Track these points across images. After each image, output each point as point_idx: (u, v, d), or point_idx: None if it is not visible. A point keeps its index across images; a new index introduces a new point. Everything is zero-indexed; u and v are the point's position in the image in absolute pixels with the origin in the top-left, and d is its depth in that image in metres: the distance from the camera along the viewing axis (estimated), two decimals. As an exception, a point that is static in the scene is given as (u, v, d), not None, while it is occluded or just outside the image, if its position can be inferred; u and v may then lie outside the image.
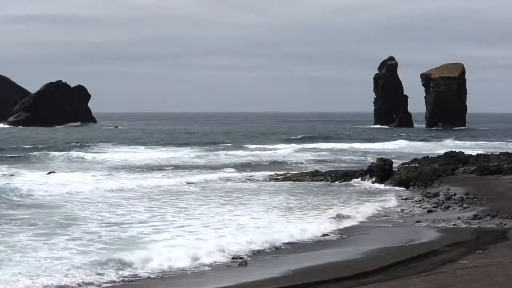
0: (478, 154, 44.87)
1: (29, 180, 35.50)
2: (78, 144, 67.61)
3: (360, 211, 24.63)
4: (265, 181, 36.08)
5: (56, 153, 54.58)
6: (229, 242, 18.23)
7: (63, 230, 19.95)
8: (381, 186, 33.27)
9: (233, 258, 16.95)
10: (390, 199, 28.30)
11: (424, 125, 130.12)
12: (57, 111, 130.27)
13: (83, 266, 15.28)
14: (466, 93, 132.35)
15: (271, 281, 14.38)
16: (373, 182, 34.09)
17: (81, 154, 56.12)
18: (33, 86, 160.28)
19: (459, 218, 22.38)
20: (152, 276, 15.25)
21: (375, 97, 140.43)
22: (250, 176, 37.85)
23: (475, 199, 26.76)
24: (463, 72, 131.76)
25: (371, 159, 44.11)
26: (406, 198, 28.84)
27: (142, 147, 67.47)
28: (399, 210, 25.56)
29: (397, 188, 32.27)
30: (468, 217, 22.48)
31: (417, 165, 39.60)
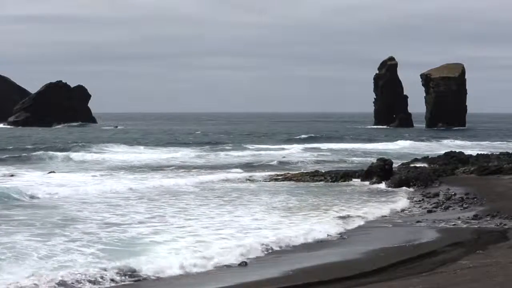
0: (478, 154, 44.93)
1: (29, 180, 35.48)
2: (78, 144, 67.56)
3: (370, 212, 24.55)
4: (265, 181, 36.06)
5: (56, 153, 54.54)
6: (231, 243, 18.11)
7: (62, 230, 19.88)
8: (381, 186, 33.27)
9: (240, 263, 16.66)
10: (399, 199, 28.30)
11: (424, 125, 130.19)
12: (57, 111, 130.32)
13: (83, 267, 15.27)
14: (466, 93, 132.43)
15: (271, 281, 14.37)
16: (372, 183, 34.07)
17: (81, 154, 56.15)
18: (33, 86, 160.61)
19: (459, 218, 22.38)
20: (152, 277, 15.21)
21: (375, 97, 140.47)
22: (250, 177, 37.83)
23: (475, 199, 26.76)
24: (463, 72, 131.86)
25: (371, 159, 44.09)
26: (407, 198, 28.85)
27: (142, 147, 67.48)
28: (399, 210, 25.58)
29: (396, 188, 32.26)
30: (468, 217, 22.48)
31: (417, 165, 39.62)
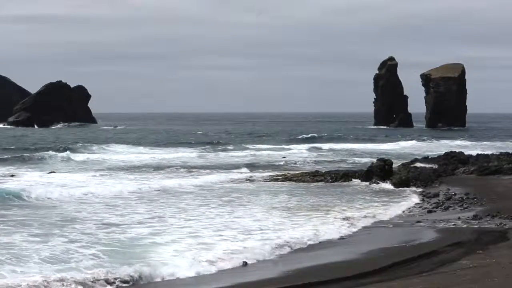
0: (478, 154, 44.90)
1: (29, 180, 35.48)
2: (78, 144, 67.57)
3: (371, 213, 24.49)
4: (265, 181, 36.03)
5: (56, 153, 54.52)
6: (235, 245, 18.01)
7: (62, 231, 19.87)
8: (381, 186, 33.27)
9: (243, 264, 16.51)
10: (400, 200, 28.29)
11: (424, 125, 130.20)
12: (57, 111, 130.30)
13: (83, 268, 15.27)
14: (466, 93, 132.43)
15: (271, 281, 14.38)
16: (372, 183, 34.07)
17: (81, 154, 56.16)
18: (33, 86, 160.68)
19: (459, 218, 22.37)
20: (152, 278, 15.18)
21: (375, 97, 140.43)
22: (250, 177, 37.81)
23: (475, 199, 26.76)
24: (463, 72, 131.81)
25: (371, 159, 44.09)
26: (408, 198, 28.86)
27: (142, 147, 67.48)
28: (399, 210, 25.55)
29: (396, 189, 32.27)
30: (468, 217, 22.47)
31: (417, 165, 39.62)
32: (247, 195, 29.47)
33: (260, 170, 42.45)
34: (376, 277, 14.24)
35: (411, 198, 28.80)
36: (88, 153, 58.50)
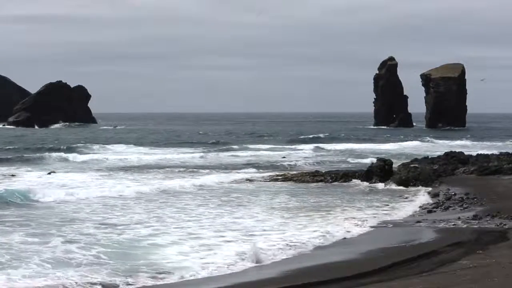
0: (478, 154, 44.89)
1: (29, 180, 35.51)
2: (78, 145, 67.60)
3: (372, 213, 24.47)
4: (265, 181, 36.02)
5: (56, 154, 54.57)
6: (238, 247, 17.91)
7: (61, 232, 19.87)
8: (381, 186, 33.27)
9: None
10: (400, 200, 28.26)
11: (424, 125, 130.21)
12: (57, 111, 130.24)
13: (83, 269, 15.28)
14: (466, 93, 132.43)
15: (271, 281, 14.38)
16: (372, 183, 34.07)
17: (81, 154, 56.18)
18: (33, 86, 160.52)
19: (459, 218, 22.37)
20: (152, 279, 15.16)
21: (375, 97, 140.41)
22: (251, 177, 37.79)
23: (475, 199, 26.75)
24: (463, 72, 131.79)
25: (371, 160, 44.09)
26: (408, 199, 28.86)
27: (142, 147, 67.52)
28: (399, 211, 25.56)
29: (396, 189, 32.27)
30: (468, 217, 22.47)
31: (417, 165, 39.59)
32: (248, 196, 29.45)
33: (261, 170, 42.44)
34: (376, 277, 14.24)
35: (412, 198, 28.79)
36: (88, 153, 58.53)
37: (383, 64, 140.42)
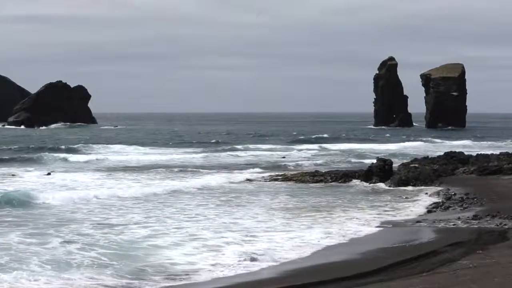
0: (478, 154, 44.84)
1: (29, 180, 35.49)
2: (78, 145, 67.57)
3: (372, 213, 24.42)
4: (265, 181, 35.99)
5: (56, 154, 54.55)
6: (240, 248, 17.86)
7: (61, 232, 19.83)
8: (381, 186, 33.26)
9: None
10: (400, 200, 28.24)
11: (424, 125, 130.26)
12: (57, 111, 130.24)
13: (83, 270, 15.26)
14: (466, 93, 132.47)
15: (271, 281, 14.37)
16: (372, 183, 34.04)
17: (81, 154, 56.19)
18: (33, 86, 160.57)
19: (459, 218, 22.36)
20: (152, 280, 15.15)
21: (375, 97, 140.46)
22: (251, 177, 37.76)
23: (475, 199, 26.74)
24: (463, 72, 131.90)
25: (371, 160, 44.06)
26: (408, 199, 28.85)
27: (142, 148, 67.46)
28: (400, 211, 25.55)
29: (396, 189, 32.25)
30: (468, 217, 22.46)
31: (417, 165, 39.57)
32: (248, 196, 29.42)
33: (261, 170, 42.41)
34: (376, 277, 14.23)
35: (412, 198, 28.78)
36: (88, 153, 58.52)
37: (383, 64, 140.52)
